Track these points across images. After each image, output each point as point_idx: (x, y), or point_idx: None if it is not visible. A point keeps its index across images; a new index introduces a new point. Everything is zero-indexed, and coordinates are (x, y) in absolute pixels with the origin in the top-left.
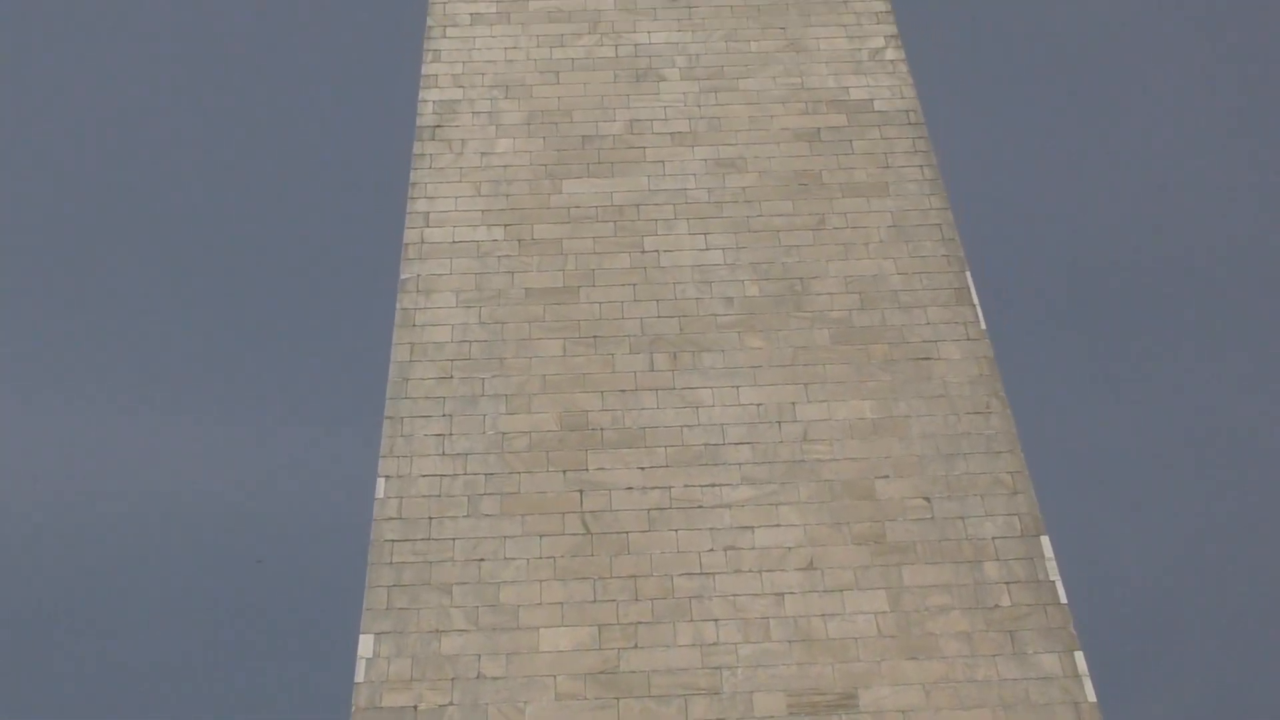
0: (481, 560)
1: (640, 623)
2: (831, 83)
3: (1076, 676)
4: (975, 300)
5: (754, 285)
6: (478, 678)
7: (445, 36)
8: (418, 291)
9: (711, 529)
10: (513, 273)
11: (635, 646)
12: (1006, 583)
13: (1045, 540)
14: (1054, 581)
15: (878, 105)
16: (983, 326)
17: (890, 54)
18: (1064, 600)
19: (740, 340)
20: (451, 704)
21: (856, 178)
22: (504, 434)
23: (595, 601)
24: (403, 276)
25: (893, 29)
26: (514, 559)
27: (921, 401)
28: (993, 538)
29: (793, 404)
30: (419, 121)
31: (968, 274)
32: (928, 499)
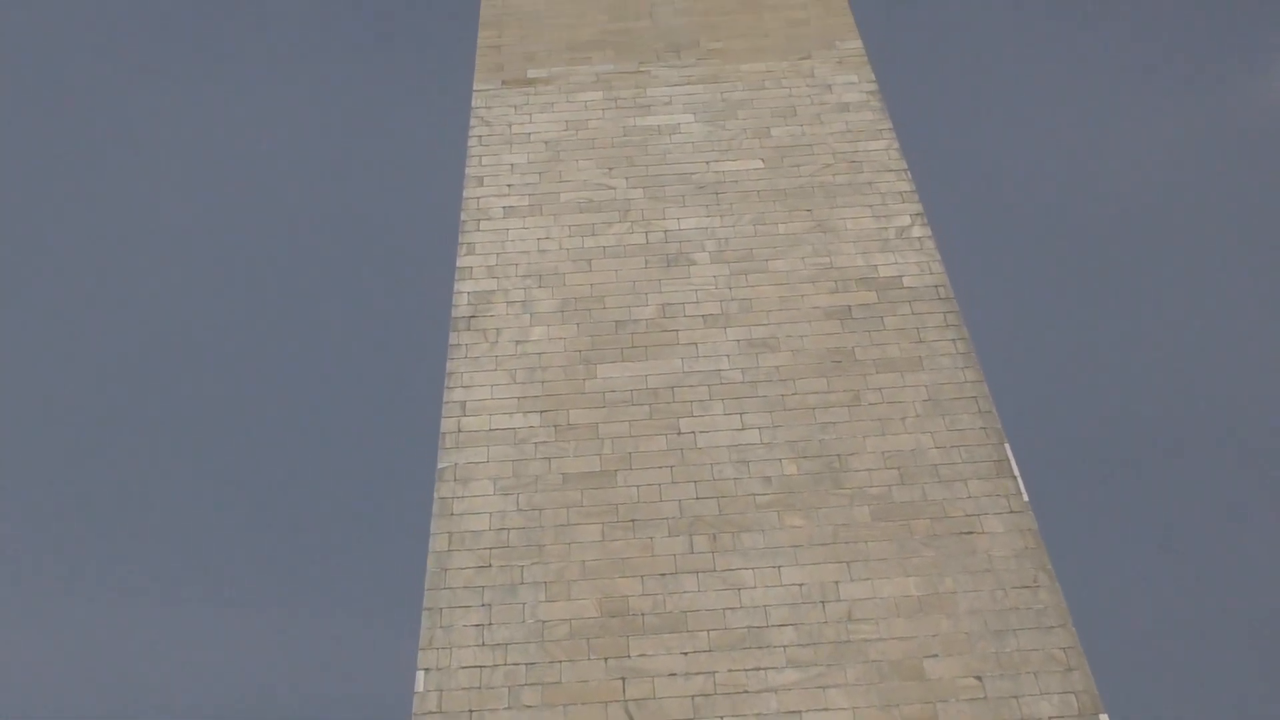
0: None
1: None
2: (860, 261)
3: None
4: (1016, 472)
5: (792, 464)
6: None
7: (479, 229)
8: (455, 480)
9: (758, 715)
10: (549, 458)
11: None
12: None
13: (1104, 719)
14: None
15: (907, 281)
16: (1025, 498)
17: (916, 231)
18: None
19: (780, 519)
20: None
21: (889, 353)
22: (544, 622)
23: None
24: (440, 465)
25: (918, 207)
26: None
27: (967, 577)
28: (1049, 717)
29: (836, 583)
30: (454, 312)
31: (1007, 446)
32: (979, 678)
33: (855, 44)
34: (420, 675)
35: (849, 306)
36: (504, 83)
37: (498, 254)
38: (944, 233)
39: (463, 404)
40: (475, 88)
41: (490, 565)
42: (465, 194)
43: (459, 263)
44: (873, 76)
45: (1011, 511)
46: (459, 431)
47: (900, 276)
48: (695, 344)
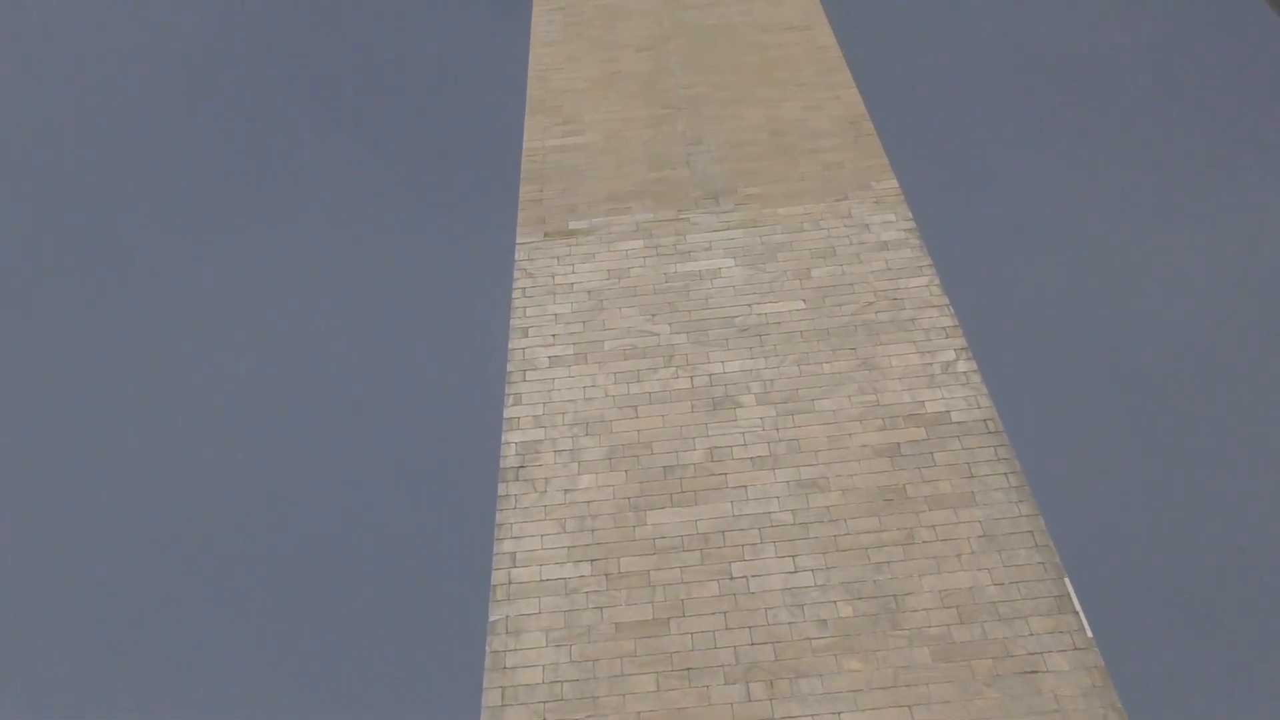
0: None
1: None
2: (906, 398)
3: None
4: (1078, 607)
5: (847, 605)
6: None
7: (525, 380)
8: (507, 633)
9: None
10: (601, 608)
11: None
12: None
13: None
14: None
15: (955, 416)
16: (1089, 634)
17: (962, 366)
18: None
19: (838, 663)
20: None
21: (941, 490)
22: None
23: None
24: (492, 618)
25: (962, 342)
26: None
27: (1033, 718)
28: None
29: None
30: (502, 463)
31: (1066, 580)
32: None
33: (891, 183)
34: None
35: (898, 444)
36: (546, 234)
37: (544, 403)
38: (990, 366)
39: (513, 555)
40: (518, 240)
41: None
42: (510, 345)
43: (506, 413)
44: (910, 214)
45: (1076, 649)
46: (510, 583)
47: (948, 412)
48: (744, 486)
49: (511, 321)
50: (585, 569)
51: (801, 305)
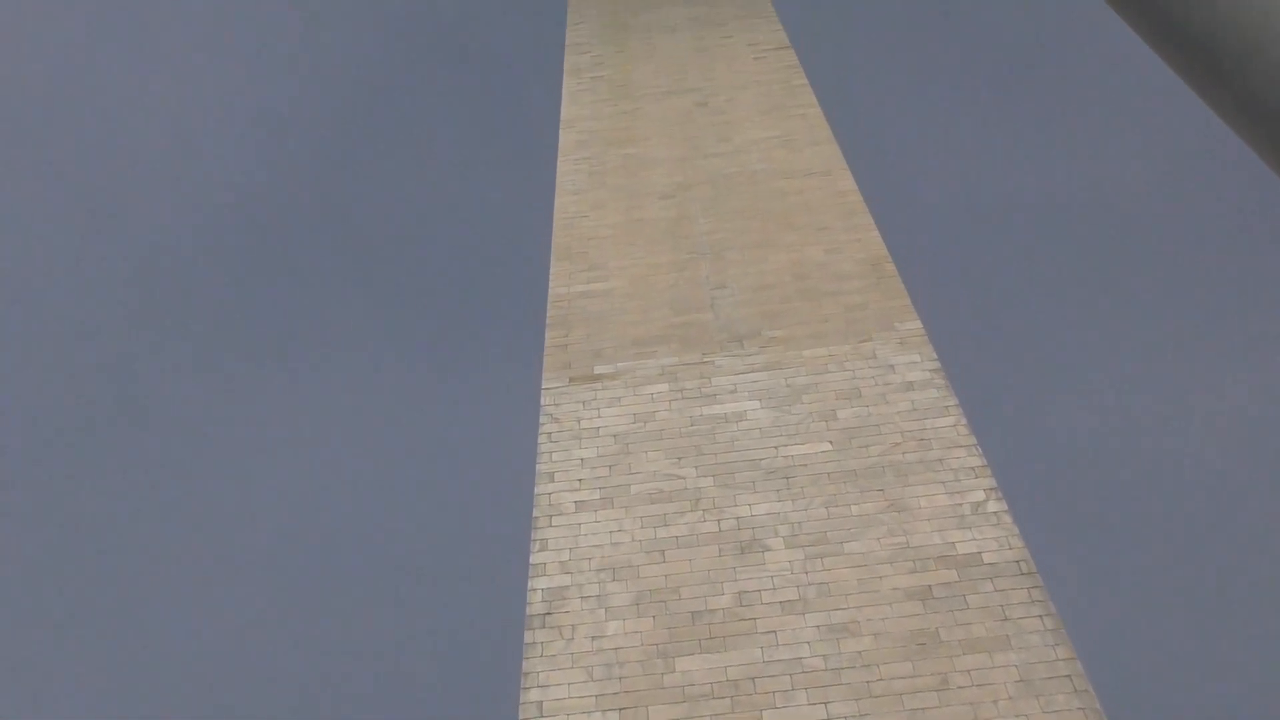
0: None
1: None
2: (937, 539)
3: None
4: None
5: None
6: None
7: (551, 525)
8: None
9: None
10: None
11: None
12: None
13: None
14: None
15: (987, 558)
16: None
17: (992, 506)
18: None
19: None
20: None
21: (975, 633)
22: None
23: None
24: None
25: (991, 482)
26: None
27: None
28: None
29: None
30: (529, 610)
31: None
32: None
33: (914, 324)
34: None
35: (929, 586)
36: (572, 379)
37: (570, 549)
38: (1020, 506)
39: (540, 704)
40: (544, 385)
41: None
42: (537, 490)
43: (532, 559)
44: (934, 354)
45: None
46: None
47: (980, 553)
48: (774, 632)
49: (537, 467)
50: (614, 718)
51: (828, 447)
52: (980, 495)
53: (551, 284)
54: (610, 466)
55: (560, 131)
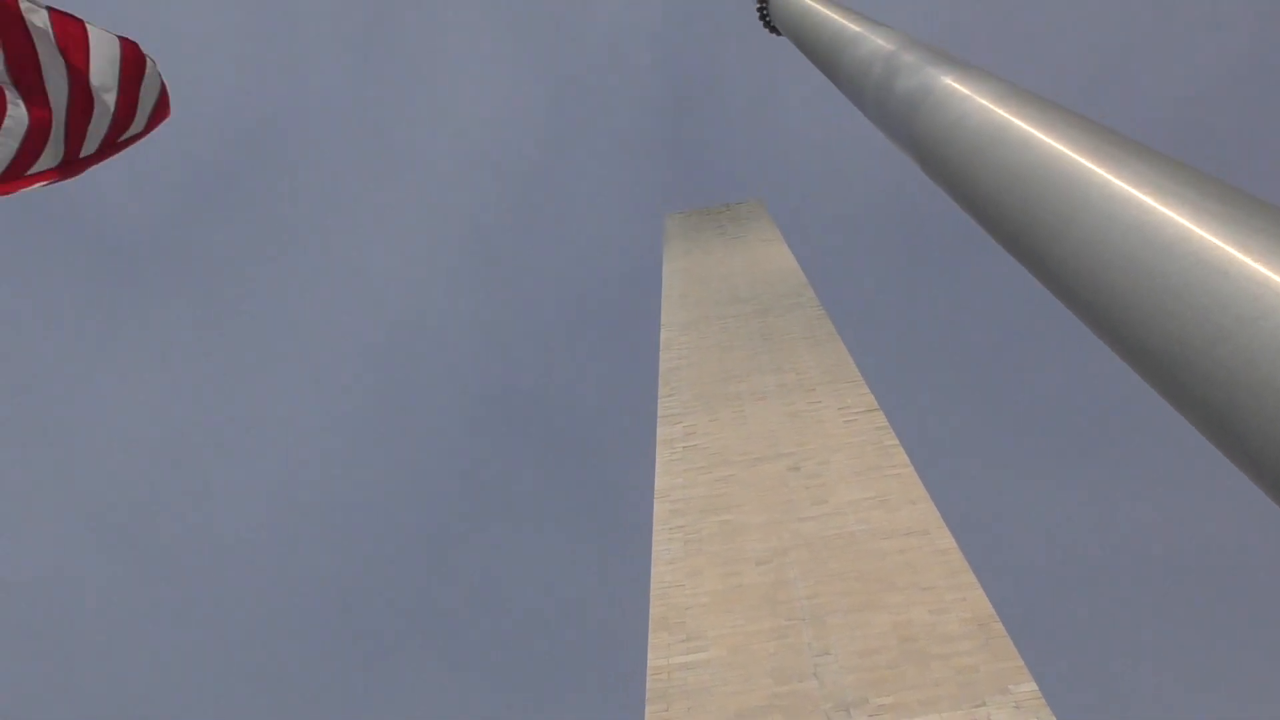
0: None
1: None
2: None
3: None
4: None
5: None
6: None
7: None
8: None
9: None
10: None
11: None
12: None
13: None
14: None
15: None
16: None
17: None
18: None
19: None
20: None
21: None
22: None
23: None
24: None
25: None
26: None
27: None
28: None
29: None
30: None
31: None
32: None
33: (1029, 686)
34: None
35: None
36: None
37: None
38: None
39: None
40: None
41: None
42: None
43: None
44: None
45: None
46: None
47: None
48: None
49: None
50: None
51: None
52: None
53: (650, 656)
54: None
55: (655, 502)
